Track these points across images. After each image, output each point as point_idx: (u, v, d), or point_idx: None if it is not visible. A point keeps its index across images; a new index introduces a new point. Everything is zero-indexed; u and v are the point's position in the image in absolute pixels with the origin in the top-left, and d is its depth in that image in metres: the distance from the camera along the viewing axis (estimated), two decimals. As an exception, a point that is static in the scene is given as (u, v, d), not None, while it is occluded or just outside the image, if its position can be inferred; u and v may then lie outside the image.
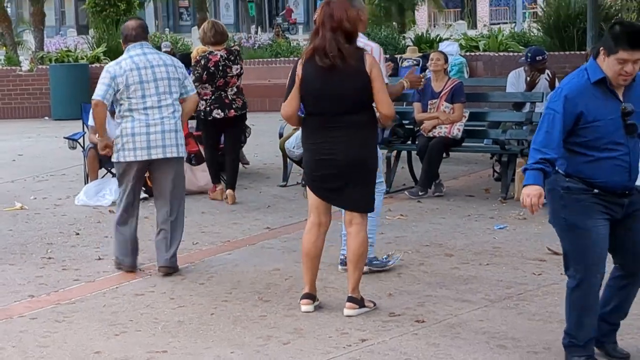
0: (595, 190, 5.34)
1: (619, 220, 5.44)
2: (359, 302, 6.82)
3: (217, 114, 10.92)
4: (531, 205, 5.29)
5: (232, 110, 10.98)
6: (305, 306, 6.87)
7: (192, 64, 11.37)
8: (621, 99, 5.32)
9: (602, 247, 5.41)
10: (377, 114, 6.79)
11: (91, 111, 8.61)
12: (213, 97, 10.93)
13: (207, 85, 10.90)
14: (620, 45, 5.16)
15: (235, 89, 11.04)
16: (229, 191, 11.05)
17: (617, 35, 5.19)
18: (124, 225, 8.16)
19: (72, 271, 8.20)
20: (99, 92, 8.03)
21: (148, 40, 8.40)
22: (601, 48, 5.26)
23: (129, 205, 8.17)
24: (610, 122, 5.27)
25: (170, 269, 8.02)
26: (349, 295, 6.83)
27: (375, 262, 7.84)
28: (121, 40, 8.40)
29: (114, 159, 8.19)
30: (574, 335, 5.58)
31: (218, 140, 11.39)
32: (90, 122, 11.24)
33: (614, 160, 5.31)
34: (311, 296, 6.91)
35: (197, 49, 11.87)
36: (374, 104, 6.72)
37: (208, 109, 10.92)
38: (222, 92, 10.95)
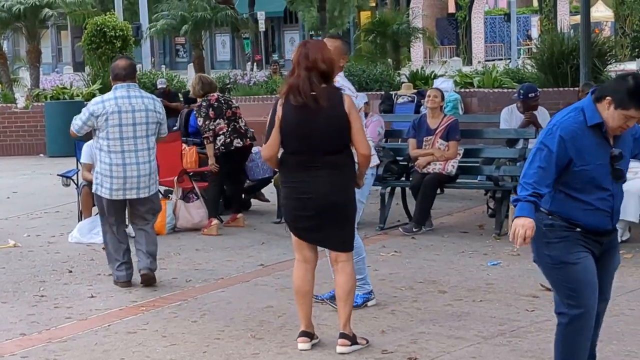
0: (578, 229, 5.30)
1: (595, 258, 5.39)
2: (351, 338, 6.79)
3: (238, 143, 11.46)
4: (524, 237, 5.15)
5: (248, 139, 11.61)
6: (302, 344, 6.83)
7: (195, 109, 11.80)
8: (611, 143, 5.27)
9: (592, 280, 5.34)
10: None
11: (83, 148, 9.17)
12: (230, 129, 11.42)
13: (218, 121, 11.36)
14: (633, 104, 5.09)
15: (243, 120, 11.65)
16: (240, 215, 11.65)
17: (631, 91, 5.09)
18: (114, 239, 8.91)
19: (65, 309, 8.16)
20: (75, 126, 8.64)
21: (136, 80, 8.85)
22: (608, 97, 5.16)
23: (113, 226, 8.90)
24: (599, 167, 5.22)
25: (151, 273, 8.78)
26: (341, 331, 6.81)
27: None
28: (110, 78, 8.83)
29: (96, 192, 8.80)
30: None
31: (238, 170, 11.83)
32: (83, 159, 11.27)
33: (599, 205, 5.26)
34: (308, 334, 6.88)
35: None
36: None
37: (228, 140, 11.43)
38: (235, 123, 11.48)
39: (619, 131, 5.22)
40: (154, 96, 9.05)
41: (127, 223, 9.24)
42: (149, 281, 8.76)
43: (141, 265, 8.82)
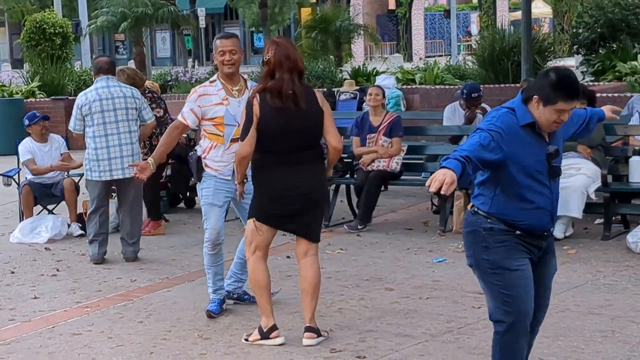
0: (518, 232, 5.22)
1: (533, 263, 5.32)
2: (317, 331, 6.84)
3: None
4: (442, 182, 4.71)
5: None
6: (280, 338, 6.84)
7: None
8: (547, 140, 5.22)
9: (529, 287, 5.25)
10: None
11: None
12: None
13: None
14: (559, 97, 5.05)
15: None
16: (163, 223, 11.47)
17: (554, 85, 5.06)
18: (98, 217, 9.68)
19: (7, 311, 8.06)
20: (71, 124, 9.64)
21: (115, 74, 9.92)
22: (535, 96, 5.11)
23: (100, 207, 9.74)
24: (536, 165, 5.16)
25: (135, 256, 9.73)
26: (307, 325, 6.83)
27: (245, 297, 7.86)
28: (93, 72, 9.91)
29: (87, 177, 9.67)
30: None
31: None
32: (24, 157, 11.22)
33: (539, 203, 5.20)
34: (277, 327, 6.89)
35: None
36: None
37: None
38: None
39: (554, 127, 5.17)
40: (132, 87, 9.95)
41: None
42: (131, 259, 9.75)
43: (128, 253, 9.75)
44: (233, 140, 7.36)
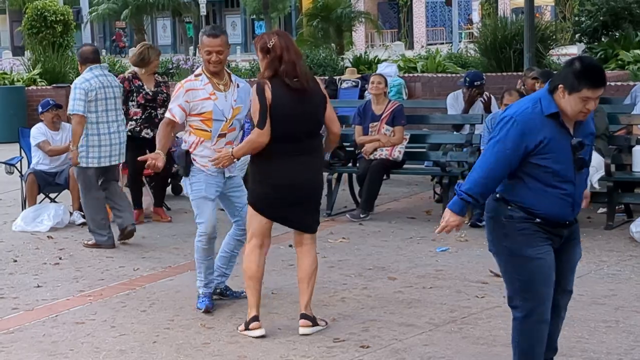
0: (537, 220, 5.27)
1: (555, 251, 5.37)
2: (313, 319, 6.84)
3: (147, 133, 10.97)
4: (444, 229, 5.40)
5: None
6: (259, 330, 6.81)
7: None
8: (572, 133, 5.26)
9: (549, 274, 5.31)
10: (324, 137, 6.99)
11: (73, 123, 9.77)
12: (144, 117, 11.02)
13: (129, 104, 11.04)
14: (584, 84, 5.09)
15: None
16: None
17: (579, 73, 5.10)
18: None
19: (10, 299, 8.05)
20: (80, 107, 9.57)
21: (100, 62, 10.01)
22: (560, 85, 5.15)
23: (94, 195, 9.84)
24: (560, 156, 5.19)
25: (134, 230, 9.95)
26: (302, 312, 6.84)
27: (228, 292, 7.81)
28: (80, 61, 9.96)
29: (82, 164, 9.67)
30: None
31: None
32: (37, 140, 11.22)
33: (560, 194, 5.23)
34: (259, 319, 6.86)
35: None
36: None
37: (138, 128, 11.02)
38: (153, 111, 11.08)
39: (581, 116, 5.20)
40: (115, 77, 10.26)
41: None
42: (132, 234, 9.97)
43: (127, 222, 9.91)
44: (220, 136, 7.34)
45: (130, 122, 10.83)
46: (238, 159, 7.09)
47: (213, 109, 7.30)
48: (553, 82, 5.23)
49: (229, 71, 7.58)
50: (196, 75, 7.44)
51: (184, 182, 7.50)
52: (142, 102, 10.93)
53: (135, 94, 10.96)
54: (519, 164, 5.22)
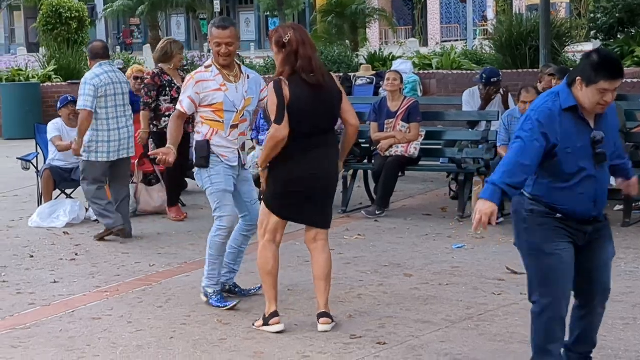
0: (558, 215, 5.27)
1: (579, 247, 5.36)
2: (331, 316, 6.84)
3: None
4: (479, 223, 5.17)
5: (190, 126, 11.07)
6: (279, 325, 6.80)
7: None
8: (592, 126, 5.25)
9: (567, 271, 5.30)
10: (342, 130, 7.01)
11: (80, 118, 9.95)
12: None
13: (163, 99, 11.03)
14: (601, 76, 5.10)
15: None
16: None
17: (596, 65, 5.11)
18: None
19: (27, 295, 8.07)
20: (88, 103, 9.73)
21: (109, 59, 10.23)
22: (578, 77, 5.16)
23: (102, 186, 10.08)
24: (580, 150, 5.19)
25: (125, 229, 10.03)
26: (322, 311, 6.82)
27: (236, 289, 7.75)
28: (90, 57, 10.07)
29: (91, 159, 9.87)
30: None
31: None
32: (53, 134, 11.25)
33: (580, 189, 5.22)
34: (278, 314, 6.86)
35: (132, 68, 12.89)
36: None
37: None
38: None
39: (599, 109, 5.20)
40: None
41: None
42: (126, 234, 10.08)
43: (129, 229, 10.09)
44: (232, 127, 7.33)
45: (164, 119, 10.81)
46: (264, 168, 6.90)
47: (224, 100, 7.28)
48: (571, 76, 5.25)
49: (239, 62, 7.56)
50: (206, 67, 7.42)
51: (199, 175, 7.40)
52: (176, 96, 10.90)
53: (167, 89, 10.97)
54: (544, 157, 5.20)
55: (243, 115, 7.40)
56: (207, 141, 7.28)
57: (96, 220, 10.81)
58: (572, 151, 5.19)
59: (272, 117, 6.61)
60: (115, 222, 9.91)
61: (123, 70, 13.03)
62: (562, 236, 5.28)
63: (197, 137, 7.39)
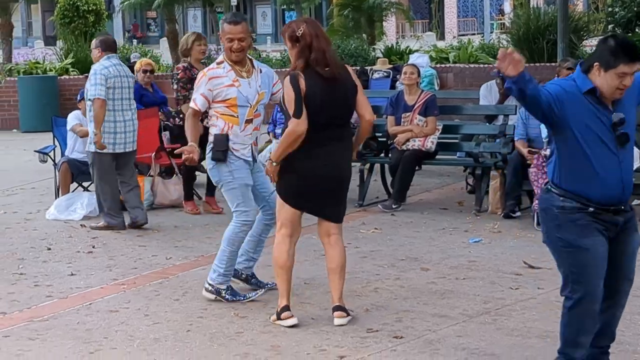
0: (591, 209, 5.25)
1: (609, 240, 5.34)
2: (346, 310, 6.83)
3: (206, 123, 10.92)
4: (507, 55, 5.04)
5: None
6: (291, 319, 6.80)
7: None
8: (611, 108, 5.24)
9: (600, 265, 5.28)
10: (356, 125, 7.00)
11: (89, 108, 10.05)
12: None
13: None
14: (620, 60, 5.11)
15: None
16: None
17: (614, 49, 5.13)
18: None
19: (45, 287, 8.09)
20: (101, 92, 9.85)
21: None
22: (596, 63, 5.17)
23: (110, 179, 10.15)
24: (601, 133, 5.19)
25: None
26: (337, 304, 6.83)
27: (252, 280, 7.74)
28: (101, 48, 10.15)
29: (97, 150, 9.93)
30: (570, 355, 5.44)
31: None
32: (72, 123, 11.32)
33: (606, 173, 5.20)
34: (289, 308, 6.86)
35: (141, 61, 12.97)
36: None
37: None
38: None
39: (618, 94, 5.19)
40: None
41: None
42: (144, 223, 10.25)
43: (141, 217, 10.19)
44: (247, 122, 7.32)
45: None
46: (277, 163, 6.86)
47: (237, 96, 7.27)
48: (587, 62, 5.25)
49: (250, 57, 7.55)
50: (218, 63, 7.40)
51: (217, 171, 7.36)
52: None
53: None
54: (561, 140, 5.20)
55: (257, 110, 7.39)
56: (227, 135, 7.26)
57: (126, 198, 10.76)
58: (593, 133, 5.18)
59: (291, 111, 6.60)
60: (118, 224, 10.14)
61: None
62: (595, 230, 5.27)
63: (214, 130, 7.37)
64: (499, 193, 10.49)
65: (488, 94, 12.13)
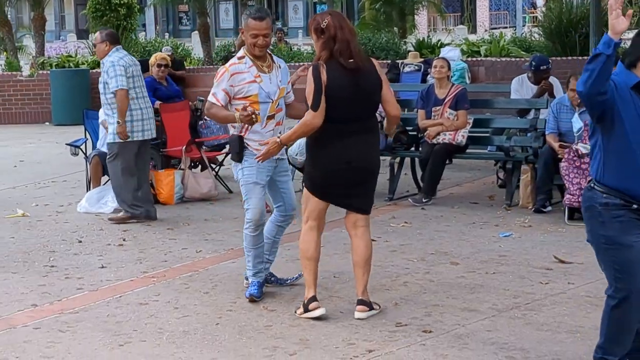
0: (635, 206, 5.17)
1: None
2: (369, 304, 6.83)
3: None
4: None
5: None
6: (319, 310, 6.80)
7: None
8: None
9: None
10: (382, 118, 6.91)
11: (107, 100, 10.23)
12: None
13: None
14: None
15: None
16: None
17: None
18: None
19: (75, 280, 8.13)
20: (123, 82, 10.01)
21: None
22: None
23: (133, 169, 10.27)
24: None
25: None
26: (359, 298, 6.83)
27: (272, 279, 7.72)
28: (109, 41, 10.31)
29: (119, 140, 10.07)
30: (609, 351, 5.38)
31: None
32: (103, 116, 11.31)
33: None
34: (317, 299, 6.88)
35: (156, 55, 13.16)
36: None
37: None
38: None
39: None
40: None
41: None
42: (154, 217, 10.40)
43: (152, 212, 10.38)
44: (269, 118, 7.27)
45: None
46: (288, 146, 6.91)
47: (258, 92, 7.22)
48: (630, 57, 5.13)
49: (270, 52, 7.51)
50: (239, 58, 7.32)
51: (235, 167, 7.36)
52: None
53: None
54: (609, 136, 5.13)
55: (278, 104, 7.36)
56: (240, 137, 7.22)
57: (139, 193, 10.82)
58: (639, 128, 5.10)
59: (309, 103, 6.62)
60: (141, 213, 10.29)
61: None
62: (638, 227, 5.18)
63: (232, 131, 7.37)
64: (529, 187, 10.45)
65: (520, 87, 12.06)
